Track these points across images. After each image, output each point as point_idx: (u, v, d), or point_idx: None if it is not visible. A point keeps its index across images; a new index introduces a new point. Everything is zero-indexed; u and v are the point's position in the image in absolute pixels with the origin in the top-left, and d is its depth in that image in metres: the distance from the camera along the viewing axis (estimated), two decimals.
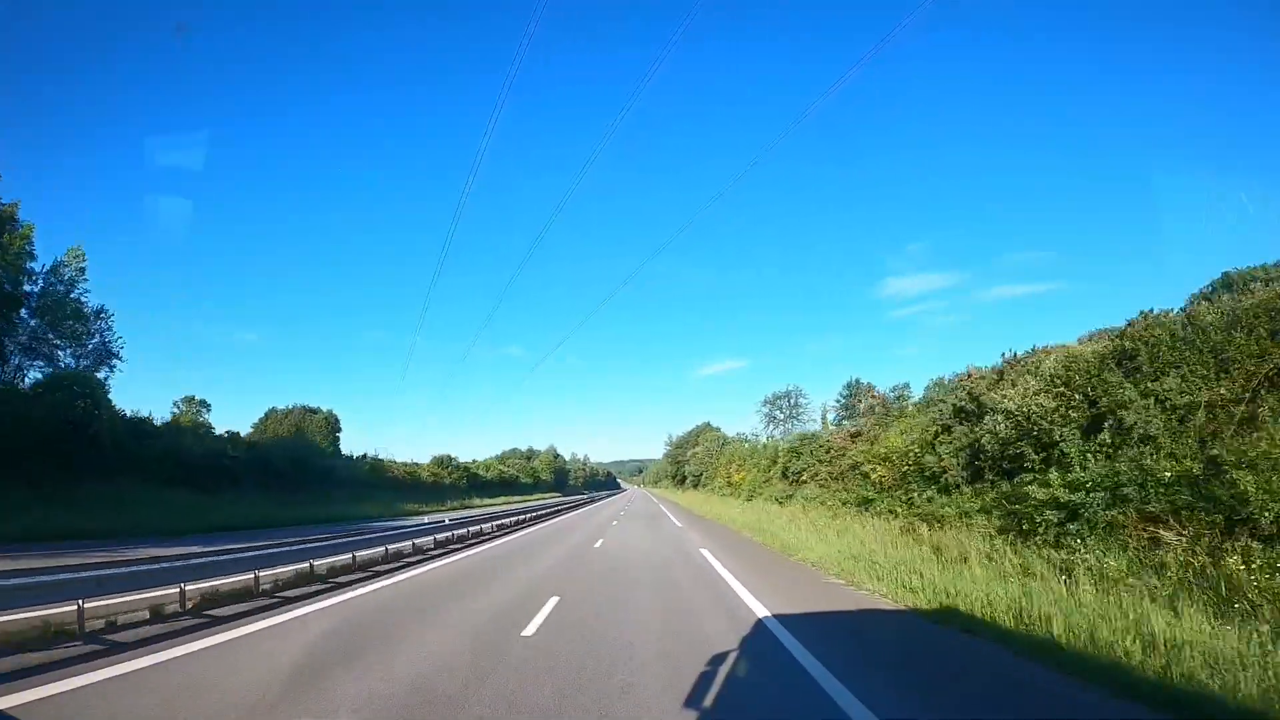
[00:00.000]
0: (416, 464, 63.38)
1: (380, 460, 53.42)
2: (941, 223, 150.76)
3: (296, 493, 38.35)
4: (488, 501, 65.73)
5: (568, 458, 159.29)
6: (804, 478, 29.76)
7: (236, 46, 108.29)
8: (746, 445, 59.04)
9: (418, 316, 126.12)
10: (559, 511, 41.54)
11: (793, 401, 76.99)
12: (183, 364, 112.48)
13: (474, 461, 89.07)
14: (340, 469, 44.19)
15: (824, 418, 61.52)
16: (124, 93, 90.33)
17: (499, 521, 25.44)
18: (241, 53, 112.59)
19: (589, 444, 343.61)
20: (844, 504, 22.08)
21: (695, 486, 75.81)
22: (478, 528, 22.02)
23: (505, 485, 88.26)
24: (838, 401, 66.37)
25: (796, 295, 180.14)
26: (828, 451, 27.99)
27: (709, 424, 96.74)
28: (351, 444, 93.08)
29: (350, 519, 34.19)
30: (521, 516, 29.38)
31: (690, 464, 79.85)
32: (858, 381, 70.41)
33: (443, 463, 66.11)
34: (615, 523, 29.45)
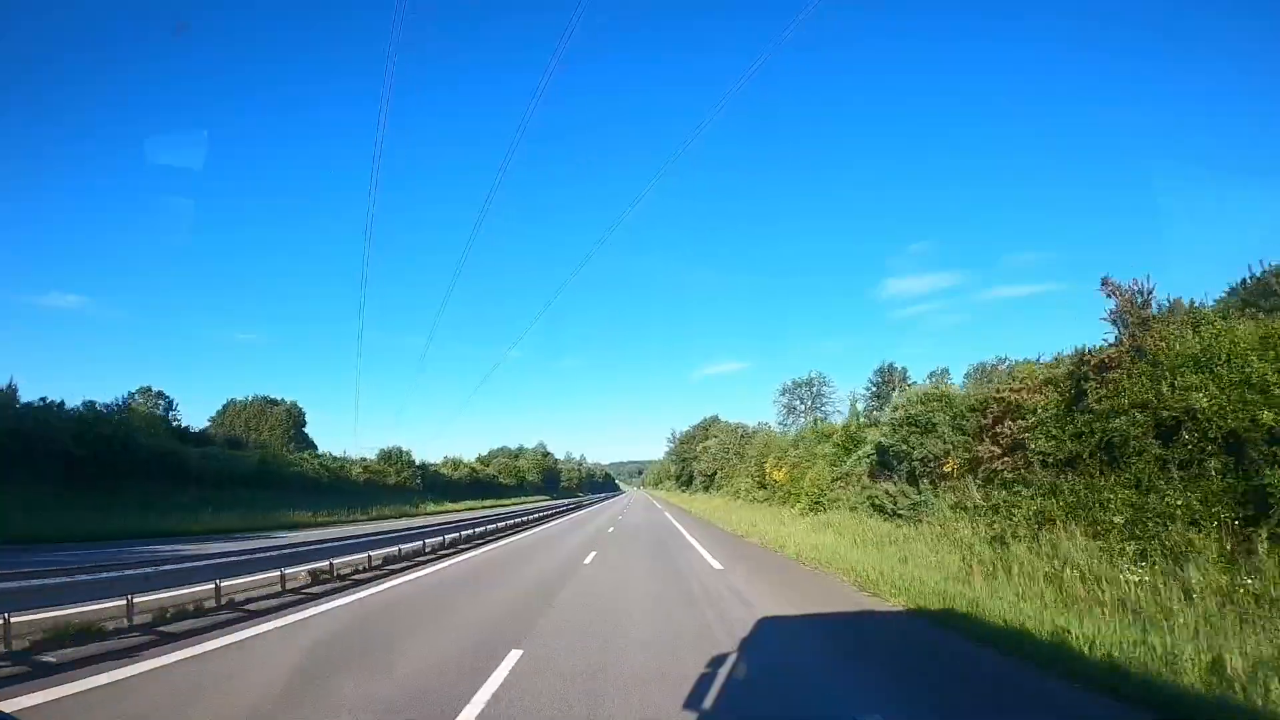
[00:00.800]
0: (357, 459, 49.39)
1: (282, 453, 39.44)
2: (944, 223, 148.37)
3: (111, 491, 24.68)
4: (450, 507, 51.82)
5: (561, 457, 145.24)
6: (947, 467, 15.95)
7: (233, 46, 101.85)
8: (781, 435, 45.21)
9: (361, 312, 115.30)
10: (522, 525, 27.77)
11: (815, 390, 64.09)
12: (180, 364, 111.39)
13: (445, 459, 75.16)
14: (199, 461, 30.25)
15: (853, 406, 49.11)
16: (125, 93, 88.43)
17: (356, 558, 11.78)
18: (242, 52, 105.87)
19: (587, 446, 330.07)
20: (1189, 520, 8.34)
21: (707, 489, 61.86)
22: (218, 586, 8.27)
23: (481, 487, 74.16)
24: (867, 389, 55.13)
25: (798, 296, 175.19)
26: (1012, 411, 14.20)
27: (717, 417, 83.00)
28: (330, 444, 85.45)
29: (174, 535, 20.80)
30: (420, 545, 15.57)
31: (701, 460, 65.96)
32: (890, 366, 57.80)
33: (390, 458, 51.99)
34: (593, 556, 15.63)
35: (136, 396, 78.86)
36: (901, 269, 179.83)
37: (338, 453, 50.15)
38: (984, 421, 15.62)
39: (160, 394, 68.00)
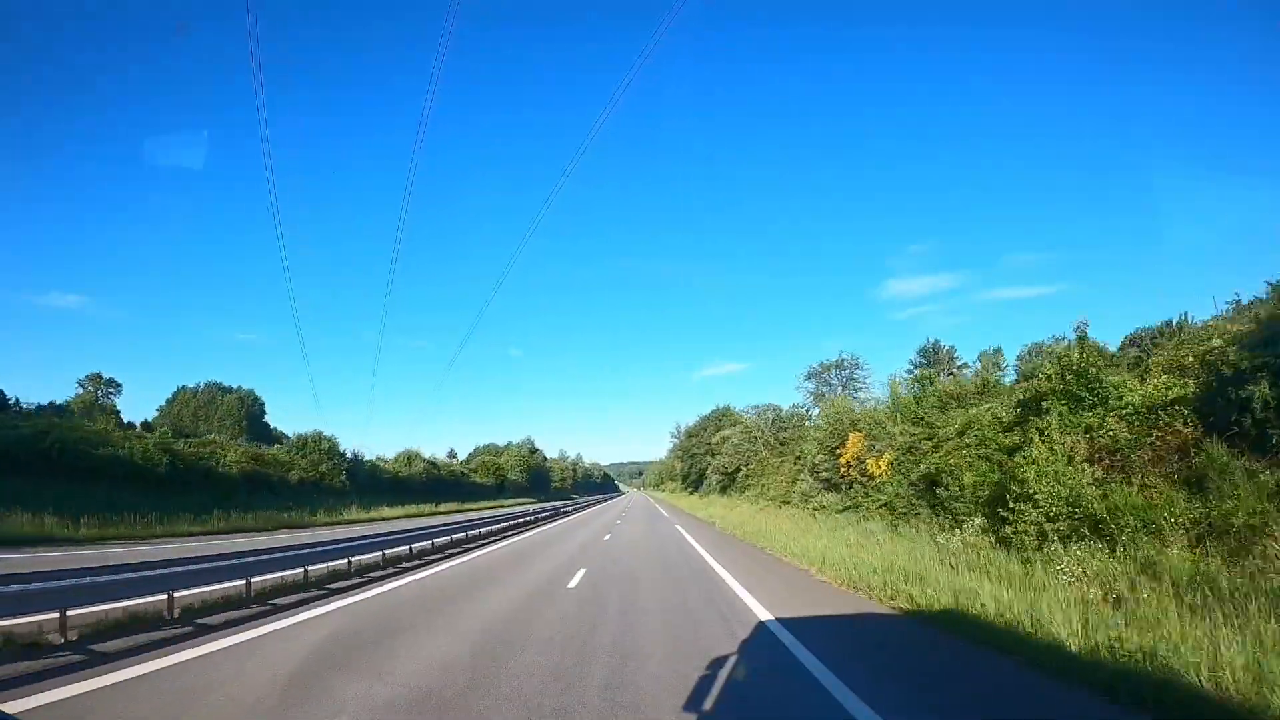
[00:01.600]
0: (244, 442, 36.09)
1: (104, 429, 26.12)
2: (944, 223, 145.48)
3: None
4: (385, 514, 38.79)
5: (554, 455, 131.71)
6: None
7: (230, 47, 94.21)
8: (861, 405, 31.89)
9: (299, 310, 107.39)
10: (419, 562, 14.64)
11: (848, 374, 51.93)
12: (179, 363, 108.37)
13: (400, 453, 61.93)
14: None
15: (894, 390, 37.46)
16: (125, 93, 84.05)
17: None
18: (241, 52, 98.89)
19: (586, 447, 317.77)
20: None
21: (725, 491, 48.68)
22: None
23: (444, 487, 60.67)
24: (909, 371, 44.55)
25: (798, 297, 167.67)
26: None
27: (730, 407, 69.83)
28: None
29: None
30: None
31: (719, 455, 52.68)
32: (936, 344, 46.54)
33: (304, 447, 38.67)
34: None
35: (85, 384, 67.27)
36: (902, 270, 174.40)
37: None
38: None
39: (110, 380, 63.97)
